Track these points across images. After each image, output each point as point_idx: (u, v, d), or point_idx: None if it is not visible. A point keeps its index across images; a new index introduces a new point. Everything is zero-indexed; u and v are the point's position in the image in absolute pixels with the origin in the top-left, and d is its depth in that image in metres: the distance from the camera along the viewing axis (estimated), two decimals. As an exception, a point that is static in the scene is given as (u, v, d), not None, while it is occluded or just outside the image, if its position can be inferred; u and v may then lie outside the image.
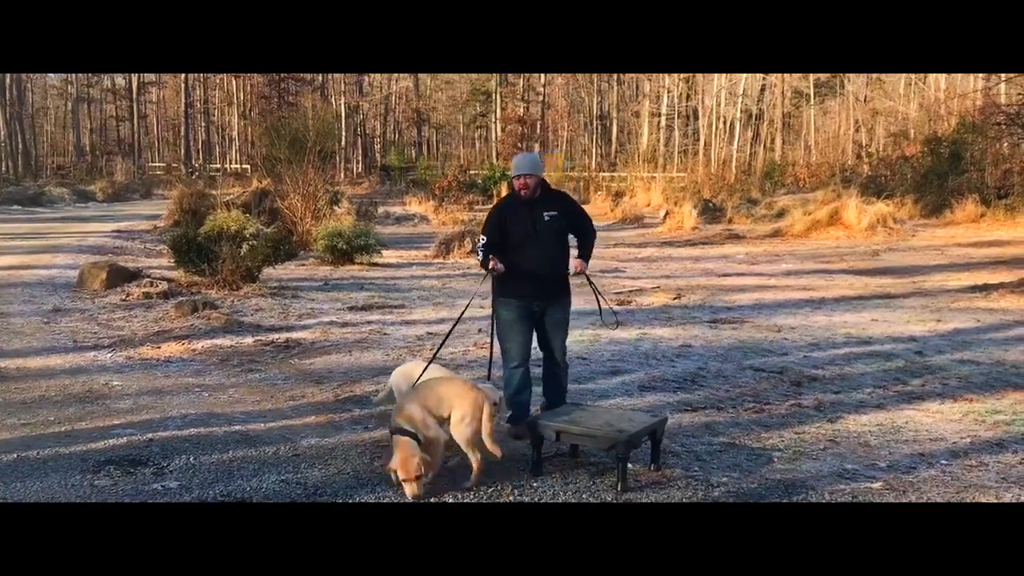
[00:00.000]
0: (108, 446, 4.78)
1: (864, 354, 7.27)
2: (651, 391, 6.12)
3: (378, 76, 59.64)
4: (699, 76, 41.51)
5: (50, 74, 59.46)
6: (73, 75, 53.84)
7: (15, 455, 4.61)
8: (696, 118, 43.61)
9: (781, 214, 20.62)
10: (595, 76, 48.93)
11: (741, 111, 40.68)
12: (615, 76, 48.35)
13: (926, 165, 23.12)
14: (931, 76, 36.00)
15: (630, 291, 10.81)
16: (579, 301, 9.97)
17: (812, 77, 40.50)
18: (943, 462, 4.65)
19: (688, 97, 45.02)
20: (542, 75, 47.88)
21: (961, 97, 28.75)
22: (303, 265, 13.39)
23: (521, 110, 48.60)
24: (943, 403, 5.82)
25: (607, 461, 4.48)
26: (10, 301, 9.42)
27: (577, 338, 7.83)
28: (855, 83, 39.54)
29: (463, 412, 4.24)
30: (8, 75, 44.97)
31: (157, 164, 52.74)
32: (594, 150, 48.15)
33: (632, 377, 6.48)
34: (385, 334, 8.03)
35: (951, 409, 5.68)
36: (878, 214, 18.30)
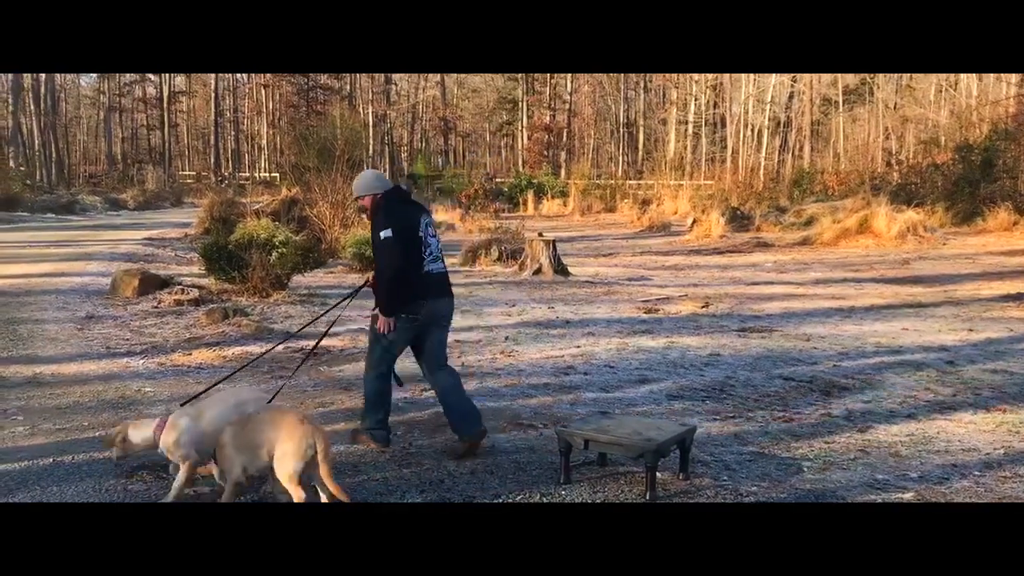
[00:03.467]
0: (141, 451, 4.84)
1: (895, 363, 7.21)
2: (679, 400, 6.11)
3: (405, 85, 60.07)
4: (727, 83, 41.35)
5: (83, 84, 60.59)
6: (105, 85, 54.72)
7: (51, 459, 4.69)
8: (723, 125, 43.43)
9: (810, 222, 20.48)
10: (622, 84, 48.89)
11: (769, 118, 40.46)
12: (642, 84, 48.30)
13: (957, 172, 22.86)
14: (962, 82, 35.65)
15: (657, 299, 10.79)
16: (606, 310, 9.99)
17: (841, 84, 40.20)
18: (976, 473, 4.60)
19: (715, 104, 44.85)
20: (568, 83, 47.93)
21: (993, 104, 28.42)
22: (331, 273, 13.49)
23: (547, 118, 48.65)
24: (976, 413, 5.75)
25: (636, 470, 4.47)
26: (45, 308, 9.57)
27: (605, 347, 7.85)
28: (884, 90, 39.22)
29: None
30: (43, 85, 45.77)
31: (187, 172, 53.38)
32: (620, 158, 48.07)
33: (660, 386, 6.47)
34: (413, 341, 8.06)
35: (984, 420, 5.62)
36: (908, 222, 18.12)
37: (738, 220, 22.09)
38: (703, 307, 10.22)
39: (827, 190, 27.68)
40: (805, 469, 4.65)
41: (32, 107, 45.54)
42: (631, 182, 36.56)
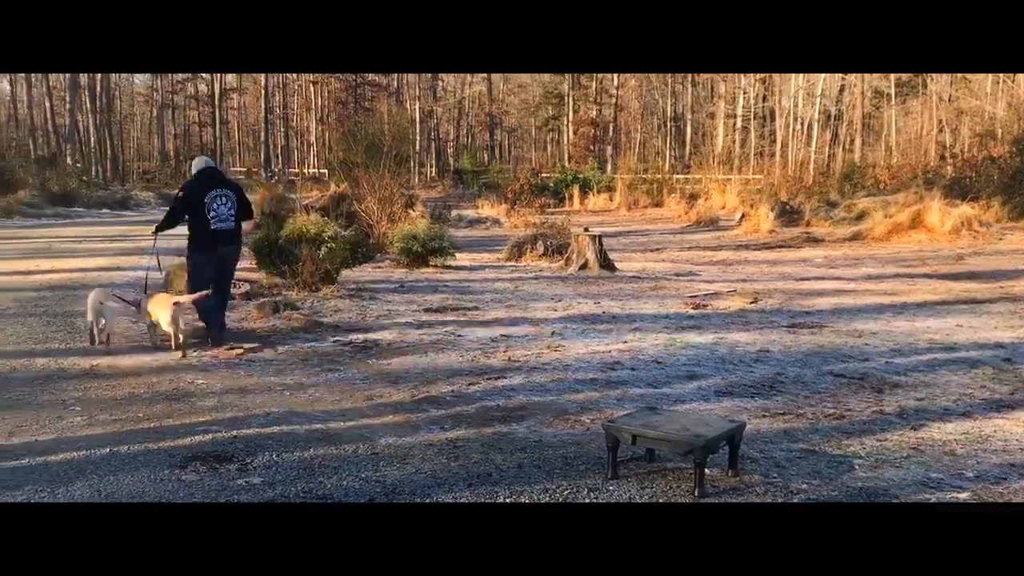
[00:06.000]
0: (194, 442, 4.94)
1: (949, 361, 7.06)
2: (728, 396, 6.05)
3: (452, 80, 60.29)
4: (776, 76, 40.82)
5: (136, 82, 61.79)
6: (158, 83, 55.75)
7: (108, 449, 4.80)
8: (773, 119, 42.91)
9: (861, 217, 20.12)
10: (669, 78, 48.52)
11: (819, 112, 39.85)
12: (689, 77, 47.87)
13: (1014, 166, 22.29)
14: (1021, 74, 34.73)
15: (705, 295, 10.70)
16: (653, 305, 9.93)
17: (893, 76, 39.45)
18: (1035, 473, 4.49)
19: (764, 98, 44.31)
20: (615, 77, 47.67)
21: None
22: (379, 267, 13.61)
23: (593, 113, 48.47)
24: (1034, 412, 5.62)
25: (684, 466, 4.45)
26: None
27: (652, 342, 7.81)
28: (938, 82, 38.37)
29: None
30: (98, 84, 46.78)
31: (238, 168, 54.13)
32: (668, 152, 47.73)
33: (709, 382, 6.42)
34: (459, 336, 8.11)
35: (1043, 419, 5.48)
36: (963, 217, 17.73)
37: (787, 215, 21.82)
38: (752, 303, 10.11)
39: (878, 184, 27.19)
40: (857, 467, 4.58)
41: (88, 105, 46.61)
42: (678, 176, 36.26)
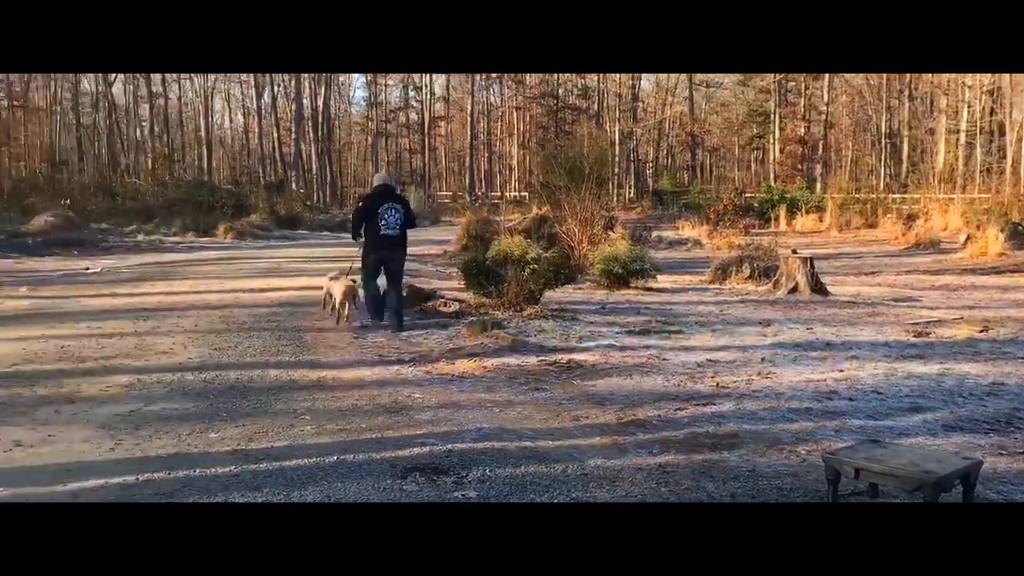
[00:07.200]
0: (413, 454, 5.17)
1: None
2: (957, 431, 5.64)
3: (652, 101, 60.06)
4: (1006, 87, 37.72)
5: (354, 112, 65.80)
6: (374, 112, 59.19)
7: (335, 457, 5.12)
8: (1002, 133, 39.59)
9: (1109, 239, 18.19)
10: (883, 92, 46.04)
11: (1057, 124, 36.37)
12: (906, 92, 45.17)
13: None
14: None
15: (928, 322, 10.02)
16: (870, 332, 9.43)
17: None
18: None
19: (992, 111, 41.06)
20: (824, 93, 45.83)
21: None
22: (580, 288, 13.72)
23: (801, 130, 46.75)
24: None
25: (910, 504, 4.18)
26: (324, 317, 10.47)
27: (871, 371, 7.41)
28: None
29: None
30: (319, 114, 50.24)
31: (444, 193, 56.44)
32: (882, 171, 45.16)
33: (935, 416, 6.00)
34: (664, 359, 8.03)
35: None
36: None
37: (1020, 236, 20.04)
38: (981, 331, 9.36)
39: None
40: (1116, 517, 4.13)
41: (311, 134, 50.21)
42: (894, 196, 34.24)
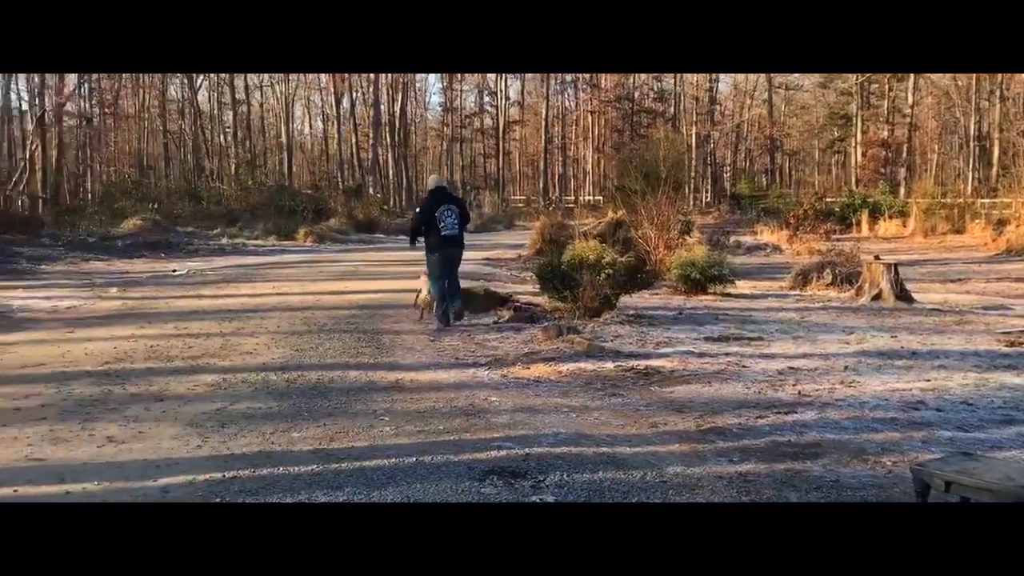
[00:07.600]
0: (490, 457, 5.19)
1: None
2: (1055, 446, 5.41)
3: (730, 104, 59.24)
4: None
5: (429, 117, 66.56)
6: (449, 117, 59.77)
7: (414, 458, 5.18)
8: (1101, 135, 37.93)
9: None
10: (972, 94, 44.54)
11: None
12: (997, 93, 43.61)
13: None
14: None
15: (1021, 331, 9.64)
16: (959, 341, 9.15)
17: None
18: None
19: (1090, 111, 39.32)
20: (909, 95, 44.56)
21: None
22: (656, 294, 13.61)
23: (884, 133, 45.53)
24: None
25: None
26: (401, 320, 10.61)
27: (960, 381, 7.17)
28: None
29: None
30: (396, 119, 50.93)
31: (518, 197, 56.66)
32: (970, 174, 43.67)
33: (1030, 428, 5.78)
34: (744, 367, 7.90)
35: None
36: None
37: (1121, 243, 19.18)
38: (1080, 342, 8.97)
39: None
40: None
41: (388, 139, 50.97)
42: (983, 201, 33.08)
